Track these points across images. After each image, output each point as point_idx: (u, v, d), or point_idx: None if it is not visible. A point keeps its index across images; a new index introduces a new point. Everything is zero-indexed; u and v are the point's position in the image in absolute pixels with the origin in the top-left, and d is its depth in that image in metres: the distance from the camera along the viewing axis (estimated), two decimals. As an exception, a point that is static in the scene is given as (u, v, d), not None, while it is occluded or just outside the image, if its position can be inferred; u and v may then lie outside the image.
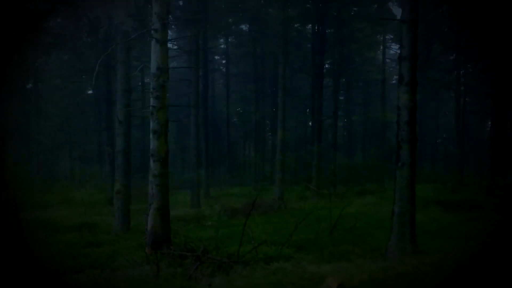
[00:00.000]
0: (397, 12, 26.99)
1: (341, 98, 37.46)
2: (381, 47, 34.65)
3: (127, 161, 12.10)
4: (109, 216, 16.53)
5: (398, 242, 7.54)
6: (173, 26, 22.03)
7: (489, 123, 40.46)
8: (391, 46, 34.18)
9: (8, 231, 7.58)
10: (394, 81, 46.11)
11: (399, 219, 7.58)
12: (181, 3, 19.09)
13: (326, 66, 36.00)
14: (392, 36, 32.02)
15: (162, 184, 8.61)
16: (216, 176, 36.56)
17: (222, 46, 32.06)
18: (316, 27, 27.02)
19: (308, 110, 47.09)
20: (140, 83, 32.73)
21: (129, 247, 9.05)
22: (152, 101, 8.51)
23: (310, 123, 53.81)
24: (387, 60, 42.11)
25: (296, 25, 27.45)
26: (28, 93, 31.16)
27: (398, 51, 8.14)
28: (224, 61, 34.96)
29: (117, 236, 11.09)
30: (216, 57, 37.52)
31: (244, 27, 28.77)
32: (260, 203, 16.25)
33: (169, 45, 18.87)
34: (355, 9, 21.35)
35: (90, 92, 43.34)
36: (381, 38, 31.75)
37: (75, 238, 10.28)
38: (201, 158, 20.66)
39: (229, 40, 30.31)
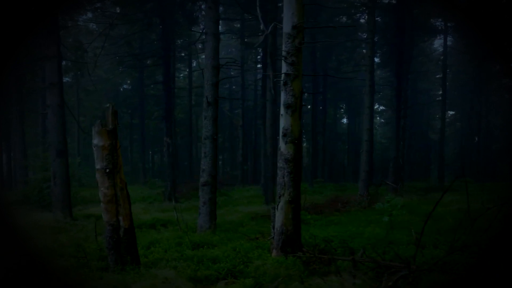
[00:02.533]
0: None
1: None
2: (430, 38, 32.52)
3: (216, 149, 10.49)
4: (172, 212, 15.07)
5: None
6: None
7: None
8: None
9: (120, 224, 5.99)
10: (440, 75, 43.68)
11: None
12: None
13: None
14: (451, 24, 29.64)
15: (295, 172, 6.92)
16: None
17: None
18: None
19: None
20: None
21: (246, 248, 7.38)
22: (285, 68, 6.83)
23: (346, 119, 51.88)
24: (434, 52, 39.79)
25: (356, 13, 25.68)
26: (67, 86, 30.18)
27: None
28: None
29: (209, 235, 9.48)
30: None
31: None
32: (345, 200, 14.54)
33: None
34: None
35: (125, 87, 42.47)
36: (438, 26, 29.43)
37: (169, 237, 8.68)
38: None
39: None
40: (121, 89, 41.42)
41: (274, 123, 14.20)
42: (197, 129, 41.01)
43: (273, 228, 7.18)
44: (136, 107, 40.91)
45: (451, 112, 53.17)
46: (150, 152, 47.92)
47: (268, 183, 14.78)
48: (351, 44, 33.37)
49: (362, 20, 27.55)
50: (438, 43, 35.55)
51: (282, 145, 6.98)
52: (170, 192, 17.71)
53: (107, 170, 5.77)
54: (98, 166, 5.81)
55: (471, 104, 37.85)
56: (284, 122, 6.91)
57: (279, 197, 7.03)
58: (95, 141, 5.77)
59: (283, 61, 6.89)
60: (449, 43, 37.29)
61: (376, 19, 27.24)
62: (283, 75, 6.88)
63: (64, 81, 29.97)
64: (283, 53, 6.85)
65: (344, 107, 50.83)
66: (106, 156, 5.76)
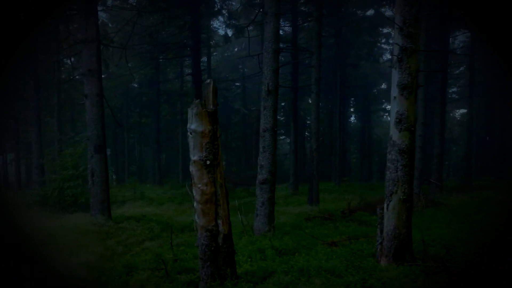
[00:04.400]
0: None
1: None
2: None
3: (275, 142, 9.39)
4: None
5: None
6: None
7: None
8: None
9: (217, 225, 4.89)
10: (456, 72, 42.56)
11: None
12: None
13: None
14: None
15: (410, 165, 5.83)
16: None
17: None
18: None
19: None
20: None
21: (345, 255, 6.28)
22: (400, 41, 5.73)
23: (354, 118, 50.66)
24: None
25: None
26: (78, 83, 28.92)
27: None
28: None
29: (269, 239, 8.36)
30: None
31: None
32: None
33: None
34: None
35: (134, 85, 41.16)
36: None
37: (239, 242, 7.55)
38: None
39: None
40: (128, 87, 40.17)
41: (319, 116, 13.10)
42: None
43: (381, 231, 6.06)
44: (144, 106, 39.72)
45: (463, 110, 52.05)
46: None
47: (314, 182, 13.65)
48: (371, 39, 32.37)
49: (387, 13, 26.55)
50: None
51: (394, 134, 5.88)
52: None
53: (207, 162, 4.65)
54: (195, 157, 4.68)
55: (490, 101, 36.91)
56: (398, 105, 5.81)
57: (390, 195, 5.93)
58: (193, 126, 4.64)
59: (397, 34, 5.79)
60: (466, 39, 36.34)
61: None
62: (397, 50, 5.78)
63: (75, 77, 28.74)
64: (398, 23, 5.74)
65: (352, 105, 49.66)
66: (206, 145, 4.64)
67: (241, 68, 37.24)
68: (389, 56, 38.77)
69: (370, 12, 27.51)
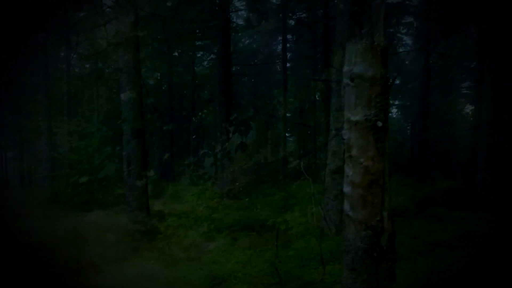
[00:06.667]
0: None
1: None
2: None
3: (351, 124, 7.83)
4: (238, 211, 12.37)
5: None
6: None
7: None
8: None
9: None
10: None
11: None
12: None
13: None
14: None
15: None
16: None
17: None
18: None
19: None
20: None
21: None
22: None
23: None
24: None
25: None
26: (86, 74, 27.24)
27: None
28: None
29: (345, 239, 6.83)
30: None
31: None
32: (462, 193, 11.99)
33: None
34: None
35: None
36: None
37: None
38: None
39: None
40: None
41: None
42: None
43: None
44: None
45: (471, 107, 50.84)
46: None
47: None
48: (390, 30, 31.00)
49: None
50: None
51: None
52: (229, 187, 14.91)
53: (379, 124, 3.10)
54: (357, 117, 3.14)
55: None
56: None
57: None
58: (358, 68, 3.08)
59: None
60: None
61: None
62: None
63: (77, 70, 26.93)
64: None
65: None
66: (376, 98, 3.09)
67: (252, 61, 35.65)
68: (401, 49, 37.40)
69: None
